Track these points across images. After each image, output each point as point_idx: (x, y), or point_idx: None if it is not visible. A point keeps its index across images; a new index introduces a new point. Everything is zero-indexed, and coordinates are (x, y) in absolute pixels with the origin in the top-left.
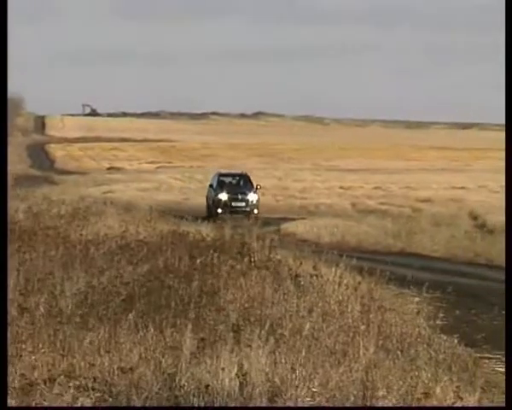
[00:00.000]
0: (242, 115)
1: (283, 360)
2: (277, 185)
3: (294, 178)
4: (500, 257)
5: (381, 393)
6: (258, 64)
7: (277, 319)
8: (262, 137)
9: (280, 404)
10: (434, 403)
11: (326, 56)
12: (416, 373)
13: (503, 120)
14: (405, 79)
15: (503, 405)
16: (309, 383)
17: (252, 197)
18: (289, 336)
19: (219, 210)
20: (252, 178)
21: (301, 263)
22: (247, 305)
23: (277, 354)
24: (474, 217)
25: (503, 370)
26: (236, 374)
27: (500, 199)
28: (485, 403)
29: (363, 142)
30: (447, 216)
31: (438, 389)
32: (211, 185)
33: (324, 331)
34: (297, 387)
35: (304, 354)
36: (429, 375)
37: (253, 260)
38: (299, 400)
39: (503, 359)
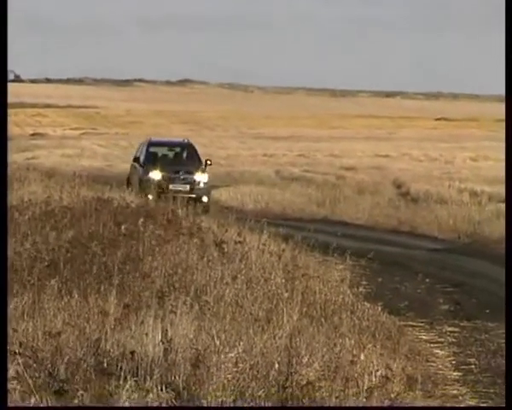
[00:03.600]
0: (168, 82)
1: (207, 327)
2: (202, 153)
3: (219, 145)
4: (423, 225)
5: (305, 360)
6: (185, 32)
7: (202, 286)
8: (187, 105)
9: (203, 370)
10: (358, 369)
11: (253, 26)
12: (340, 340)
13: (422, 89)
14: (333, 48)
15: (502, 404)
16: (233, 349)
17: (199, 178)
18: (213, 303)
19: (150, 196)
20: (197, 149)
21: (226, 230)
22: (171, 271)
23: (201, 320)
24: (398, 185)
25: (427, 338)
26: (161, 340)
27: (423, 167)
28: (409, 370)
29: (288, 110)
30: (371, 184)
31: (362, 356)
32: (136, 159)
33: (248, 298)
34: (220, 353)
35: (228, 320)
36: (353, 342)
37: (178, 227)
38: (223, 366)
39: (427, 326)
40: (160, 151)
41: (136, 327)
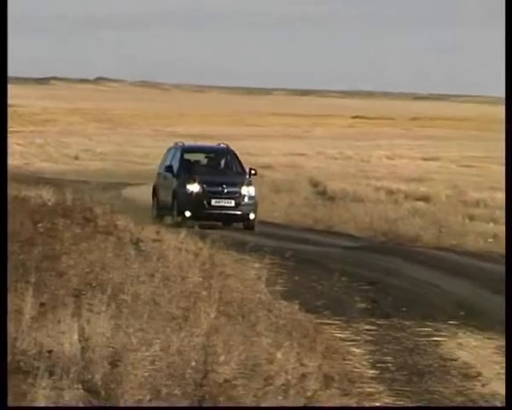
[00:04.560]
0: (83, 80)
1: (124, 325)
2: (117, 151)
3: (134, 143)
4: (340, 224)
5: (222, 358)
6: (100, 30)
7: (119, 284)
8: (102, 103)
9: (121, 368)
10: (275, 368)
11: (169, 23)
12: (257, 339)
13: (338, 87)
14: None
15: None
16: (150, 347)
17: (245, 191)
18: (131, 301)
19: (187, 213)
20: (240, 157)
21: (143, 228)
22: (88, 270)
23: (119, 318)
24: (315, 184)
25: (343, 336)
26: (78, 339)
27: (339, 165)
28: (325, 369)
29: (203, 108)
30: (287, 182)
31: (279, 355)
32: (168, 168)
33: (165, 297)
34: (137, 351)
35: (145, 319)
36: (270, 340)
37: (94, 225)
38: (140, 364)
39: (343, 325)
40: (196, 158)
41: (53, 326)
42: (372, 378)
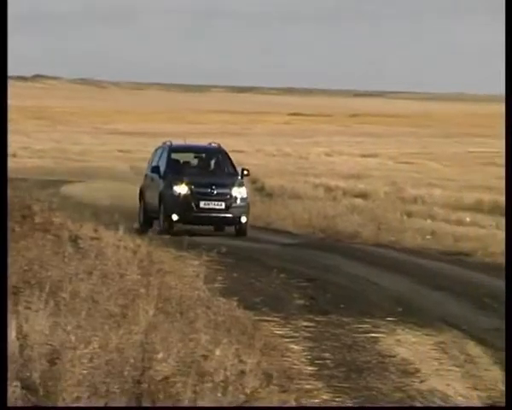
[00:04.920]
0: (21, 78)
1: (63, 323)
2: (56, 148)
3: (73, 141)
4: (278, 220)
5: (160, 355)
6: (37, 27)
7: (57, 282)
8: (40, 100)
9: (60, 366)
10: (213, 365)
11: (106, 20)
12: (196, 336)
13: (276, 84)
14: (187, 43)
15: (505, 403)
16: (88, 345)
17: (236, 192)
18: (69, 299)
19: (175, 217)
20: (230, 156)
21: (81, 226)
22: (26, 268)
23: (57, 316)
24: (253, 180)
25: (282, 332)
26: (16, 336)
27: (277, 162)
28: (264, 365)
29: (143, 105)
30: None
31: (217, 352)
32: (154, 169)
33: (104, 294)
34: (76, 349)
35: (83, 316)
36: (208, 337)
37: (33, 222)
38: (78, 362)
39: (282, 321)
40: (184, 158)
41: None
42: (311, 375)
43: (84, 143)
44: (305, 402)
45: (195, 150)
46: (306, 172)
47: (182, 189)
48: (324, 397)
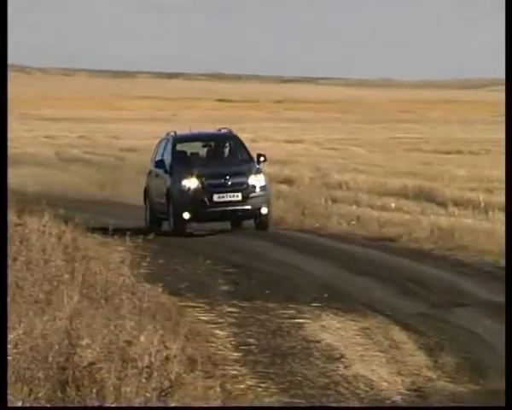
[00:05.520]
0: None
1: None
2: None
3: None
4: None
5: (84, 341)
6: None
7: None
8: None
9: None
10: (138, 351)
11: (34, 6)
12: (120, 322)
13: (205, 70)
14: (114, 29)
15: (505, 403)
16: (13, 331)
17: (254, 180)
18: None
19: (186, 215)
20: (244, 141)
21: None
22: None
23: None
24: None
25: (207, 318)
26: None
27: None
28: (189, 351)
29: (70, 91)
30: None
31: (142, 338)
32: (158, 163)
33: (28, 280)
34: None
35: (8, 302)
36: (133, 323)
37: None
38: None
39: (207, 307)
40: (192, 149)
41: None
42: (235, 361)
43: (11, 130)
44: (169, 384)
45: (203, 138)
46: None
47: (191, 182)
48: (249, 383)
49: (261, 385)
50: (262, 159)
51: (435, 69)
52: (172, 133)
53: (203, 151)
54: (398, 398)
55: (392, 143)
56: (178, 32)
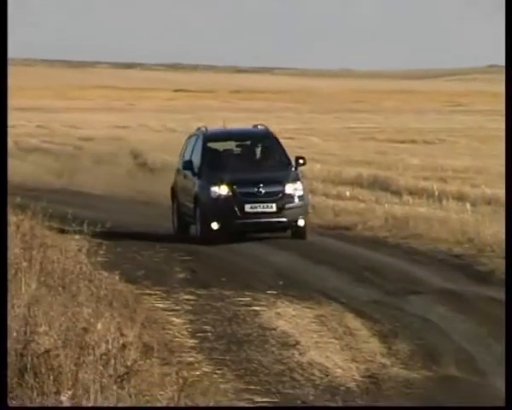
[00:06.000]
0: None
1: None
2: None
3: None
4: (161, 195)
5: (42, 328)
6: None
7: None
8: None
9: None
10: (95, 338)
11: None
12: (78, 309)
13: (162, 61)
14: (72, 19)
15: (503, 404)
16: None
17: (291, 189)
18: None
19: (215, 225)
20: (281, 141)
21: None
22: None
23: None
24: (135, 155)
25: (163, 306)
26: None
27: (162, 137)
28: (145, 338)
29: (26, 81)
30: (109, 154)
31: (99, 325)
32: (187, 164)
33: None
34: None
35: None
36: (90, 311)
37: None
38: None
39: (163, 295)
40: (222, 147)
41: None
42: (192, 348)
43: None
44: (126, 371)
45: (237, 137)
46: None
47: (222, 190)
48: (205, 369)
49: (217, 372)
50: (301, 161)
51: (393, 59)
52: (203, 129)
53: (237, 150)
54: (352, 384)
55: (347, 132)
56: (138, 22)
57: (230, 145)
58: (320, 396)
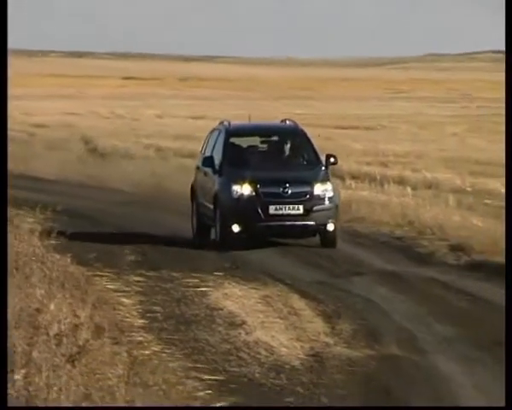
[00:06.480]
0: None
1: None
2: None
3: None
4: (111, 180)
5: None
6: None
7: None
8: None
9: None
10: (48, 319)
11: None
12: (31, 290)
13: (112, 49)
14: (25, 9)
15: (503, 404)
16: None
17: (319, 190)
18: None
19: (236, 228)
20: (311, 138)
21: None
22: None
23: None
24: (86, 141)
25: (114, 287)
26: None
27: (111, 124)
28: (97, 319)
29: None
30: (61, 140)
31: (52, 306)
32: (207, 160)
33: None
34: None
35: None
36: (43, 292)
37: None
38: None
39: (114, 276)
40: (248, 144)
41: None
42: (141, 328)
43: None
44: (77, 350)
45: (262, 132)
46: (138, 133)
47: (244, 189)
48: (154, 349)
49: (166, 351)
50: (332, 160)
51: (336, 48)
52: (226, 123)
53: (262, 147)
54: (297, 363)
55: (293, 119)
56: (89, 12)
57: (255, 141)
58: (265, 374)
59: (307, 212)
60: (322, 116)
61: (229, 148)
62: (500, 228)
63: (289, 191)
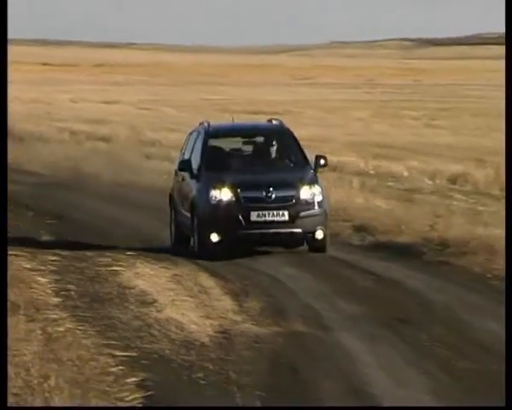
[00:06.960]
0: None
1: None
2: None
3: None
4: (27, 163)
5: None
6: None
7: None
8: None
9: None
10: None
11: None
12: None
13: (30, 36)
14: None
15: (505, 403)
16: None
17: (306, 194)
18: None
19: (214, 237)
20: (297, 138)
21: None
22: None
23: None
24: None
25: (29, 266)
26: None
27: (27, 108)
28: (13, 297)
29: None
30: None
31: None
32: (184, 163)
33: None
34: None
35: None
36: None
37: None
38: None
39: (30, 256)
40: (229, 146)
41: None
42: (56, 305)
43: None
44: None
45: (245, 133)
46: (53, 117)
47: (223, 194)
48: (68, 326)
49: (79, 328)
50: (322, 162)
51: (246, 36)
52: (205, 124)
53: (246, 149)
54: (206, 339)
55: (203, 104)
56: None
57: (238, 143)
58: (176, 351)
59: (293, 218)
60: (231, 101)
61: (207, 150)
62: (402, 209)
63: (273, 196)
